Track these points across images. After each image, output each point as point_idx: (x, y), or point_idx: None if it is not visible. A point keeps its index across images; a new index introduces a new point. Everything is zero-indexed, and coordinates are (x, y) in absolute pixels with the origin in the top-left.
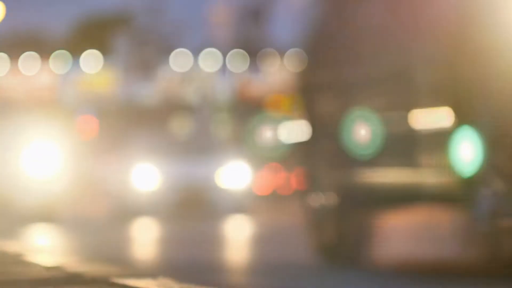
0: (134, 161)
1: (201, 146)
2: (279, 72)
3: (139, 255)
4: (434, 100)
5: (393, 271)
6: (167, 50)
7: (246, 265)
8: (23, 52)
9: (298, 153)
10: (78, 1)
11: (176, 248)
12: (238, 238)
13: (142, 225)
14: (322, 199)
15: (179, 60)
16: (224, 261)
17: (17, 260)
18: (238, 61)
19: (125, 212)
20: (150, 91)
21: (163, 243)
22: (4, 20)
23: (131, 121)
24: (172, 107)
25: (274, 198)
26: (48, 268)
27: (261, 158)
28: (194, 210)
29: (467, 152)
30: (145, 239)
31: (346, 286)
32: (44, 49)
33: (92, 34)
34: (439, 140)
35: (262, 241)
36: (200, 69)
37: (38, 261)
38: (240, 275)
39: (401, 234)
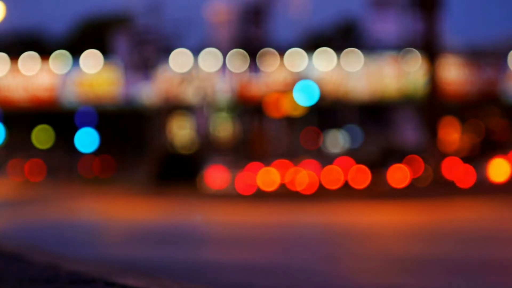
0: None
1: None
2: (279, 72)
3: (139, 255)
4: None
5: None
6: (167, 50)
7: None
8: (23, 52)
9: None
10: (78, 1)
11: (175, 247)
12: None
13: None
14: None
15: (179, 60)
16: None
17: (17, 259)
18: (238, 61)
19: None
20: (150, 91)
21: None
22: (4, 20)
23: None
24: (172, 107)
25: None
26: (48, 267)
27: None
28: None
29: None
30: None
31: None
32: (44, 49)
33: (92, 34)
34: None
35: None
36: (200, 69)
37: (38, 260)
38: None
39: None
